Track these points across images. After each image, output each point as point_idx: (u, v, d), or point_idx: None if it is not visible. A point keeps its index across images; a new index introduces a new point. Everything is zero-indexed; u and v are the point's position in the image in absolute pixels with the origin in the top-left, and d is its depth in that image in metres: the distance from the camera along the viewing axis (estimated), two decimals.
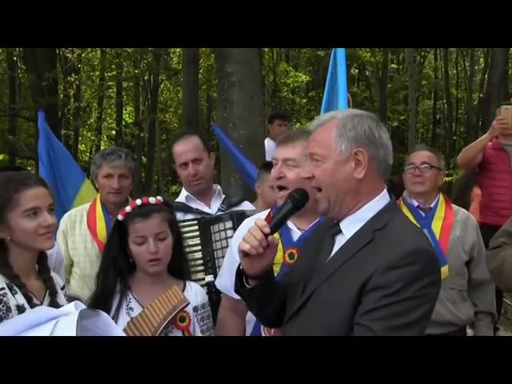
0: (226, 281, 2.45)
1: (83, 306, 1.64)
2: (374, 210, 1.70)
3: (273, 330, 2.22)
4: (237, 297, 2.38)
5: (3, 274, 1.91)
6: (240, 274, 1.83)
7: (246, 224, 2.50)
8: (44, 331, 1.50)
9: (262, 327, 2.29)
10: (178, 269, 2.38)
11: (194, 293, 2.36)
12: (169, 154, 20.08)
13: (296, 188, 1.84)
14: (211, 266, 2.86)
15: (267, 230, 1.70)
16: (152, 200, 2.27)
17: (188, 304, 2.24)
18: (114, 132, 20.21)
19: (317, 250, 1.80)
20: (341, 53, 3.45)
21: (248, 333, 2.42)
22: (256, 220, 1.75)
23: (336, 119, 1.72)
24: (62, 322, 1.52)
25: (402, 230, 1.65)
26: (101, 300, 2.22)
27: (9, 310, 1.85)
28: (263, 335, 2.28)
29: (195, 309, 2.32)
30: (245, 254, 1.71)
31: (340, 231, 1.74)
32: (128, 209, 2.26)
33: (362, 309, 1.55)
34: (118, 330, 1.80)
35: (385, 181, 1.78)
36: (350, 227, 1.71)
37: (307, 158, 2.22)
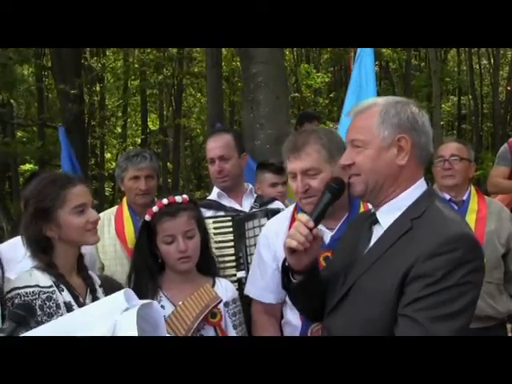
0: (257, 286, 2.44)
1: (132, 294, 1.67)
2: (411, 198, 1.68)
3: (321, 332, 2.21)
4: (272, 301, 2.39)
5: (50, 274, 1.96)
6: (285, 270, 1.83)
7: (272, 226, 2.48)
8: (104, 329, 1.53)
9: (309, 329, 2.27)
10: (207, 266, 2.38)
11: (225, 288, 2.37)
12: (193, 159, 20.35)
13: (332, 177, 1.84)
14: (243, 263, 2.84)
15: (311, 224, 1.70)
16: (178, 199, 2.28)
17: (221, 301, 2.24)
18: (138, 139, 20.43)
19: (355, 241, 1.79)
20: (369, 53, 3.35)
21: (289, 334, 2.39)
22: (299, 215, 1.76)
23: (378, 105, 1.70)
24: (122, 320, 1.54)
25: (440, 217, 1.62)
26: None
27: (58, 306, 1.91)
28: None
29: (226, 304, 2.32)
30: (292, 251, 1.71)
31: (377, 221, 1.72)
32: (155, 209, 2.27)
33: (405, 299, 1.53)
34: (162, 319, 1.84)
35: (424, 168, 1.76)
36: (387, 216, 1.69)
37: (327, 159, 2.21)
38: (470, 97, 21.98)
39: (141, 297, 2.23)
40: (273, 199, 3.26)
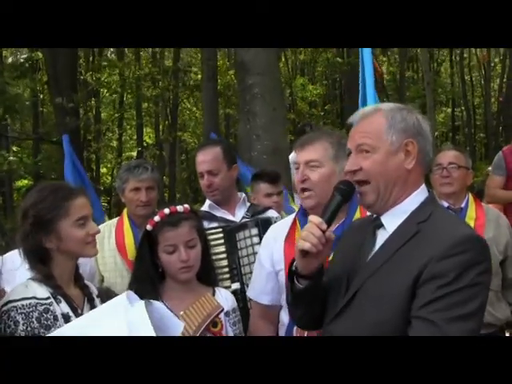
0: (255, 287, 2.48)
1: (135, 296, 1.67)
2: (415, 202, 1.70)
3: (306, 333, 2.21)
4: (266, 302, 2.43)
5: (47, 285, 1.94)
6: (291, 274, 1.80)
7: (273, 230, 2.52)
8: (118, 325, 1.53)
9: (294, 329, 2.28)
10: (206, 275, 2.39)
11: (225, 298, 2.38)
12: (189, 173, 20.36)
13: (341, 180, 1.83)
14: (237, 274, 2.84)
15: (324, 226, 1.68)
16: (180, 208, 2.29)
17: (222, 310, 2.24)
18: (134, 153, 20.43)
19: (355, 247, 1.78)
20: (367, 52, 3.37)
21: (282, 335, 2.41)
22: (310, 217, 1.73)
23: (383, 111, 1.73)
24: (132, 315, 1.54)
25: (447, 220, 1.66)
26: None
27: (56, 318, 1.89)
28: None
29: (227, 313, 2.33)
30: (304, 254, 1.69)
31: (381, 225, 1.73)
32: (157, 218, 2.27)
33: (418, 301, 1.53)
34: (170, 315, 1.83)
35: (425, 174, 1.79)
36: (392, 220, 1.70)
37: (332, 156, 2.25)
38: (463, 108, 22.20)
39: None
40: (267, 208, 3.27)
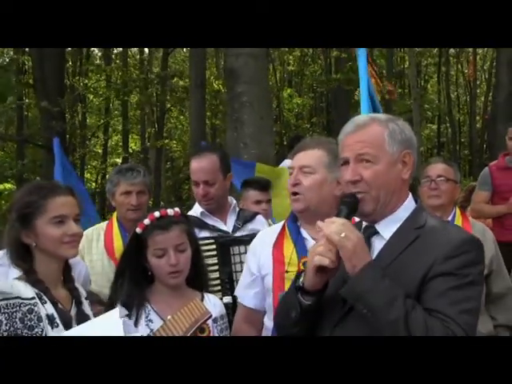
0: (241, 289, 2.49)
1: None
2: (408, 209, 1.76)
3: None
4: (250, 306, 2.43)
5: (28, 280, 1.92)
6: (296, 291, 1.74)
7: (261, 236, 2.53)
8: None
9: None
10: (196, 280, 2.38)
11: (213, 304, 2.36)
12: (174, 181, 20.29)
13: (344, 194, 1.81)
14: (229, 288, 2.82)
15: None
16: (170, 212, 2.27)
17: (210, 316, 2.22)
18: (118, 160, 20.31)
19: None
20: (361, 52, 3.32)
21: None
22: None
23: (380, 121, 1.76)
24: None
25: (445, 225, 1.74)
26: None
27: (40, 319, 1.87)
28: None
29: (215, 320, 2.31)
30: (320, 270, 1.64)
31: (375, 233, 1.75)
32: (146, 221, 2.25)
33: (429, 294, 1.57)
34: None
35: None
36: (387, 228, 1.74)
37: (326, 163, 2.26)
38: (448, 125, 22.47)
39: (126, 307, 2.22)
40: (255, 214, 3.25)
